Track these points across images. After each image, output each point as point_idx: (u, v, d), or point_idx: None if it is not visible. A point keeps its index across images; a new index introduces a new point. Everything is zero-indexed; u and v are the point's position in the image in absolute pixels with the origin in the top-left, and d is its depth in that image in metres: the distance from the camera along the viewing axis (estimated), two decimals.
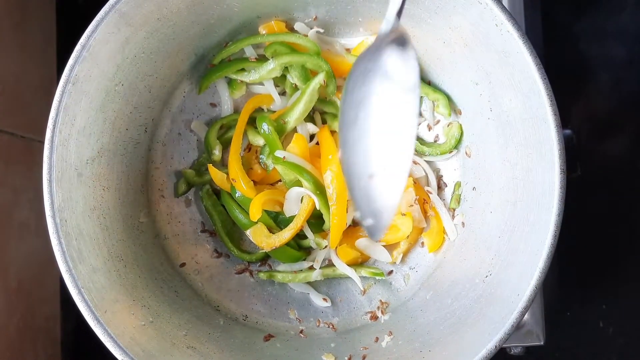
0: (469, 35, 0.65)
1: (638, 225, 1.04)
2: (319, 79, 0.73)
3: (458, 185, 0.76)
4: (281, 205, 0.75)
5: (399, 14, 0.53)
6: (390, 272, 0.77)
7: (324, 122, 0.78)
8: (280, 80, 0.78)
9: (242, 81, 0.78)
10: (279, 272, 0.78)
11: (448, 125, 0.76)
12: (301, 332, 0.74)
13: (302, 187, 0.73)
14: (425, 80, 0.77)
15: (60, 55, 1.06)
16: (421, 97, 0.77)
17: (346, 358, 0.68)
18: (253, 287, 0.78)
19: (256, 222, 0.75)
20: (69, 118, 0.61)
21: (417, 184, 0.76)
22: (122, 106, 0.68)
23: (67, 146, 0.62)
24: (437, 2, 0.64)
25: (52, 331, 1.00)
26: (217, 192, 0.79)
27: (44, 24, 1.06)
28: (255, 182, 0.76)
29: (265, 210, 0.75)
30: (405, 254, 0.77)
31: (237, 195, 0.75)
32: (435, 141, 0.78)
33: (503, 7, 0.59)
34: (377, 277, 0.76)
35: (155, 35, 0.67)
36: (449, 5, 0.63)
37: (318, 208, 0.72)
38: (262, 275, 0.78)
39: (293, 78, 0.75)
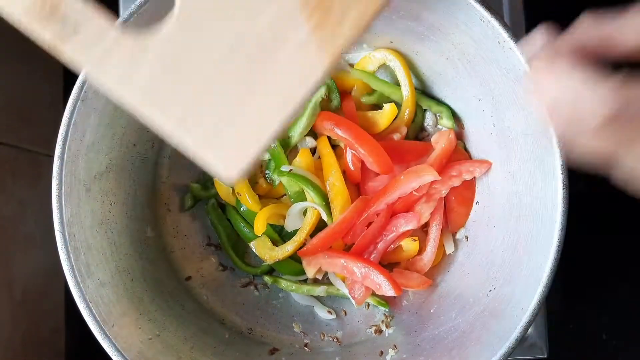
0: (472, 52, 0.65)
1: None
2: (320, 92, 0.74)
3: None
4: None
5: None
6: None
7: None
8: None
9: None
10: (283, 279, 0.78)
11: None
12: (306, 345, 0.75)
13: (305, 200, 0.74)
14: (428, 94, 0.78)
15: (67, 69, 1.06)
16: (425, 109, 0.78)
17: None
18: (258, 300, 0.78)
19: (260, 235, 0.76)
20: (78, 134, 0.62)
21: None
22: (131, 122, 0.68)
23: (76, 162, 0.62)
24: (440, 19, 0.65)
25: (57, 344, 1.00)
26: (222, 206, 0.79)
27: None
28: (260, 196, 0.76)
29: (270, 224, 0.76)
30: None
31: (242, 209, 0.76)
32: None
33: (506, 25, 0.60)
34: (381, 307, 0.75)
35: None
36: (452, 22, 0.64)
37: (325, 219, 0.73)
38: (267, 279, 0.78)
39: None
